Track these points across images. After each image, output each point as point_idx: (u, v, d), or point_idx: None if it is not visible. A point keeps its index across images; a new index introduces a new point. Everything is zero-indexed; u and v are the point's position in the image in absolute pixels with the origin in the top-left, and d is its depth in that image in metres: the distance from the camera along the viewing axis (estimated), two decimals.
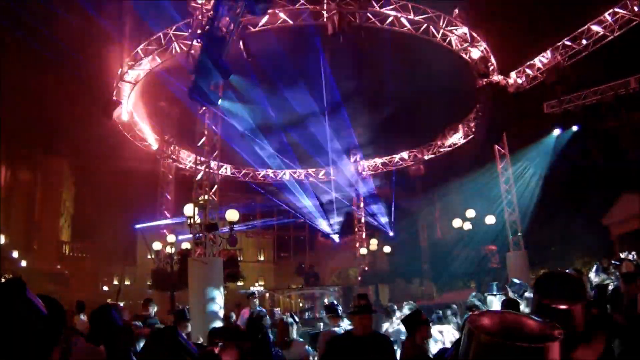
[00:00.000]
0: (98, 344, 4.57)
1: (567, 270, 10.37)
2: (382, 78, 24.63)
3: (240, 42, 15.27)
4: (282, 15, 16.74)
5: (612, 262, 14.20)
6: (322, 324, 14.75)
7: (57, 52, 21.31)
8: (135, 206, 30.84)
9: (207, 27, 12.93)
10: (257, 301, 15.25)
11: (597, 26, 18.22)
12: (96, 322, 4.89)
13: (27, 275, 26.99)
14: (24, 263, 30.86)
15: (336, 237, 32.46)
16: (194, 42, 14.94)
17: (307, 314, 21.27)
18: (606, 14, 17.87)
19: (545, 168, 24.00)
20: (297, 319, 8.16)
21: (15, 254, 29.80)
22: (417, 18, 17.81)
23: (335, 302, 8.71)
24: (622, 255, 15.08)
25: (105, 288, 37.69)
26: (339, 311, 9.06)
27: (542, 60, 19.94)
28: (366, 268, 28.30)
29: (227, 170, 27.32)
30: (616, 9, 17.61)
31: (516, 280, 10.92)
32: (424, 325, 6.64)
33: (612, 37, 18.09)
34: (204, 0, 15.34)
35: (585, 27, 18.45)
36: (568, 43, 19.01)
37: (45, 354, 2.01)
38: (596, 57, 19.03)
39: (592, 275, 14.05)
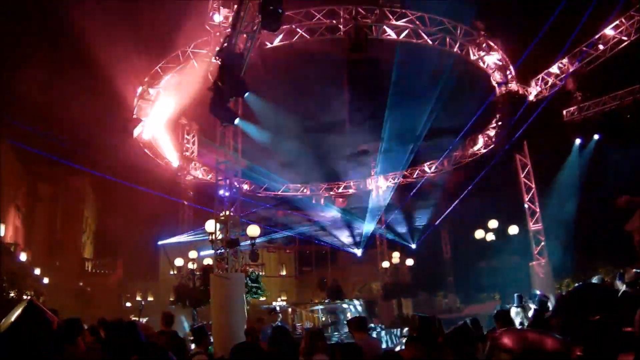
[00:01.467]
0: None
1: (593, 280, 10.27)
2: (400, 89, 24.60)
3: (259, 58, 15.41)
4: (299, 30, 16.85)
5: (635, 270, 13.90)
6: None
7: (79, 68, 21.63)
8: (157, 223, 31.06)
9: (225, 44, 13.04)
10: (280, 316, 15.22)
11: (613, 31, 18.07)
12: (117, 338, 4.82)
13: (49, 292, 27.26)
14: (46, 280, 31.05)
15: (358, 251, 32.33)
16: (213, 60, 15.07)
17: (330, 328, 21.11)
18: (622, 18, 17.72)
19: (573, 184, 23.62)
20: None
21: (37, 271, 30.00)
22: (433, 29, 17.81)
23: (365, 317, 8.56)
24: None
25: (128, 304, 37.83)
26: (367, 326, 8.91)
27: (560, 67, 19.79)
28: (388, 282, 28.12)
29: (247, 185, 27.38)
30: (632, 13, 17.46)
31: (537, 292, 10.84)
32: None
33: (629, 40, 17.92)
34: (222, 19, 15.49)
35: (602, 32, 18.31)
36: (585, 49, 18.86)
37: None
38: (614, 62, 18.85)
39: (617, 283, 13.81)
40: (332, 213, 30.40)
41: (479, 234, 22.40)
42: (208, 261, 22.28)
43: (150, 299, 34.85)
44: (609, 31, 18.15)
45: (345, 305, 23.59)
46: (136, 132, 20.20)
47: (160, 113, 21.19)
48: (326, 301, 23.62)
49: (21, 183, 32.72)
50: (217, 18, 15.67)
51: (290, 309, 25.51)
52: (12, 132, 23.50)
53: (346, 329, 21.03)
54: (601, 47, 18.44)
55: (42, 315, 2.86)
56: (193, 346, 9.08)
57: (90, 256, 42.01)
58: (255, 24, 12.52)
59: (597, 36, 18.46)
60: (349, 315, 23.41)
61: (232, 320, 14.07)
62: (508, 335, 1.73)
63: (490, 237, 22.04)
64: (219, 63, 13.44)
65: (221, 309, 14.27)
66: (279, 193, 29.18)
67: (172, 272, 26.73)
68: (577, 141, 22.57)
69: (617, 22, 17.94)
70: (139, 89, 19.36)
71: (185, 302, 22.18)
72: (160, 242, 31.10)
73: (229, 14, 15.00)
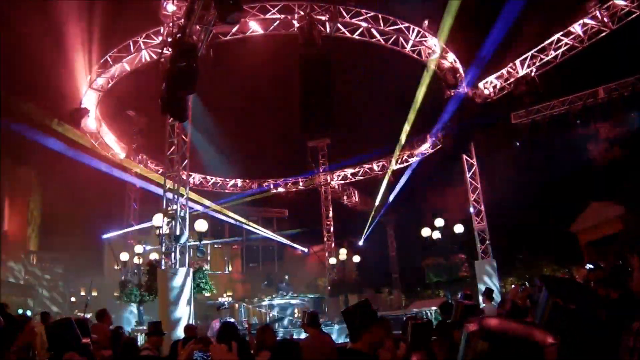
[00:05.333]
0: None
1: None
2: (350, 87, 24.75)
3: (210, 51, 15.21)
4: (253, 24, 16.73)
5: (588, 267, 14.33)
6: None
7: (23, 57, 20.95)
8: (103, 216, 30.43)
9: (178, 35, 12.85)
10: (227, 312, 15.13)
11: (565, 37, 18.52)
12: (56, 336, 4.60)
13: None
14: None
15: (305, 248, 32.41)
16: (164, 50, 14.85)
17: (277, 324, 21.13)
18: (575, 25, 18.15)
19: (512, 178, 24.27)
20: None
21: None
22: (387, 29, 17.95)
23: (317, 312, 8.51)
24: (589, 266, 15.26)
25: (73, 299, 36.95)
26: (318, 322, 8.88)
27: (510, 71, 20.19)
28: (335, 278, 28.25)
29: (195, 179, 27.02)
30: (586, 20, 17.91)
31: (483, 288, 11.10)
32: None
33: (581, 47, 18.40)
34: (175, 8, 15.25)
35: (554, 37, 18.74)
36: (536, 54, 19.29)
37: None
38: (565, 68, 19.33)
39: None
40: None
41: (425, 231, 22.71)
42: (154, 256, 22.02)
43: (94, 294, 34.11)
44: (562, 37, 18.57)
45: (292, 301, 23.64)
46: (83, 122, 19.71)
47: (108, 103, 20.76)
48: (273, 297, 23.62)
49: None
50: (171, 8, 15.42)
51: (237, 305, 25.43)
52: None
53: (293, 325, 21.16)
54: (553, 52, 18.85)
55: None
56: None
57: (35, 249, 40.83)
58: (210, 15, 12.38)
59: (548, 41, 18.87)
60: (296, 312, 23.49)
61: (179, 316, 13.94)
62: (484, 323, 1.76)
63: (436, 235, 22.40)
64: (171, 55, 13.25)
65: (168, 305, 14.11)
66: (228, 187, 28.93)
67: (117, 267, 26.29)
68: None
69: (569, 28, 18.37)
70: (87, 78, 18.85)
71: (130, 298, 21.87)
72: (105, 236, 30.42)
73: (182, 3, 14.77)
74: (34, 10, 19.51)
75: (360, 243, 30.77)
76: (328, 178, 29.61)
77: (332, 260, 28.56)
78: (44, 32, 19.87)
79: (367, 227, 29.97)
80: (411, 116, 21.32)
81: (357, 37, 17.93)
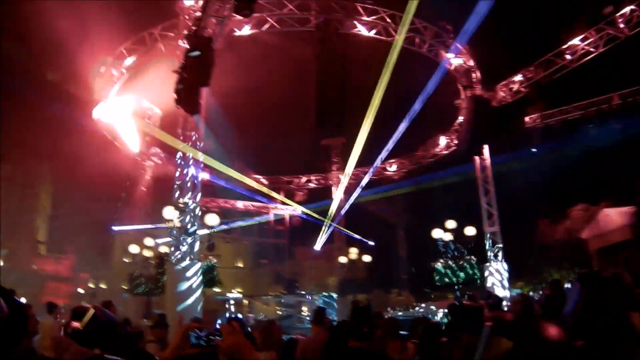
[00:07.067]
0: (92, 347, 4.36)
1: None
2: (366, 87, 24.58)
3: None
4: (270, 20, 16.67)
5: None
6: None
7: (37, 49, 20.98)
8: (113, 208, 30.44)
9: (194, 27, 12.81)
10: (232, 307, 15.09)
11: (582, 42, 18.35)
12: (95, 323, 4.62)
13: (2, 275, 26.49)
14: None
15: (316, 246, 32.31)
16: (180, 43, 14.81)
17: (284, 321, 21.09)
18: (592, 30, 18.00)
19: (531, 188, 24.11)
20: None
21: None
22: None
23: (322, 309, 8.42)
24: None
25: (81, 290, 37.07)
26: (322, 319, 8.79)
27: (526, 74, 20.03)
28: (345, 277, 28.16)
29: (208, 174, 26.94)
30: (602, 26, 17.76)
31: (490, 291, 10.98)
32: None
33: (596, 53, 18.24)
34: (192, 2, 15.20)
35: (570, 43, 18.57)
36: (553, 58, 19.12)
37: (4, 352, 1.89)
38: (580, 73, 19.16)
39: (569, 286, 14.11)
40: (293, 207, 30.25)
41: (436, 233, 22.55)
42: (164, 249, 22.01)
43: (102, 286, 34.24)
44: (578, 42, 18.40)
45: (300, 299, 23.60)
46: (96, 113, 19.72)
47: (122, 95, 20.74)
48: (282, 294, 23.59)
49: None
50: (187, 1, 15.38)
51: (245, 301, 25.42)
52: None
53: (302, 322, 21.12)
54: (568, 57, 18.69)
55: None
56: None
57: (44, 239, 40.98)
58: (226, 9, 12.32)
59: (565, 46, 18.70)
60: (304, 309, 23.43)
61: (186, 309, 13.90)
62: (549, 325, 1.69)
63: (448, 236, 22.24)
64: (187, 47, 13.21)
65: (175, 298, 14.09)
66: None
67: (126, 260, 26.30)
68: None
69: (585, 34, 18.20)
70: (102, 69, 18.85)
71: (138, 290, 21.88)
72: (114, 228, 30.45)
73: None
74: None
75: (372, 243, 30.65)
76: (341, 177, 29.49)
77: (342, 259, 28.47)
78: (58, 23, 19.89)
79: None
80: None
81: (374, 36, 17.82)
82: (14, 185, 36.59)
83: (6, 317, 1.90)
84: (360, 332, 4.16)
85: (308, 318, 20.53)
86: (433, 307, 21.82)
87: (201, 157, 16.17)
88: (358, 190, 27.23)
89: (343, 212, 29.58)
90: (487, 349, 1.69)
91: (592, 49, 18.24)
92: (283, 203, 29.13)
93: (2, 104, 21.94)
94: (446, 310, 8.78)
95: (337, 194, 29.62)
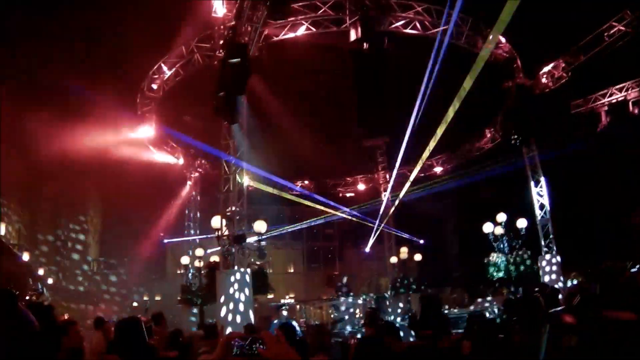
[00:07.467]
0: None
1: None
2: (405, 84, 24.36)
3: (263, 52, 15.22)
4: (304, 23, 16.62)
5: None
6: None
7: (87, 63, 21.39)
8: (163, 221, 30.90)
9: (229, 35, 12.88)
10: (286, 313, 15.06)
11: (618, 23, 17.76)
12: (124, 333, 4.74)
13: (53, 293, 27.07)
14: (50, 281, 30.77)
15: (367, 247, 32.13)
16: (217, 53, 14.93)
17: (338, 324, 20.99)
18: (627, 10, 17.41)
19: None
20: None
21: (41, 272, 29.65)
22: (439, 21, 17.59)
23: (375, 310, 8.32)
24: None
25: (135, 304, 37.66)
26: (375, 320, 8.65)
27: (566, 59, 19.53)
28: (396, 277, 27.91)
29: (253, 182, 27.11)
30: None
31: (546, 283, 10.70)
32: None
33: (634, 33, 17.63)
34: (226, 11, 15.30)
35: (607, 24, 17.99)
36: (591, 41, 18.56)
37: None
38: (620, 54, 18.57)
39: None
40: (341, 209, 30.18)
41: (487, 227, 22.13)
42: (215, 258, 22.19)
43: (157, 298, 34.70)
44: (615, 23, 17.83)
45: (353, 301, 23.45)
46: (140, 128, 20.07)
47: (164, 109, 21.05)
48: (334, 298, 23.50)
49: (24, 181, 32.44)
50: (220, 10, 15.49)
51: (297, 306, 25.41)
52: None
53: (355, 325, 20.98)
54: (607, 39, 18.11)
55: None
56: None
57: (95, 256, 41.75)
58: (260, 14, 12.34)
59: (602, 28, 18.14)
60: (357, 311, 23.26)
61: (237, 317, 13.93)
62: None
63: (499, 230, 21.80)
64: (223, 57, 13.29)
65: (227, 307, 14.13)
66: (287, 189, 28.94)
67: (179, 271, 26.64)
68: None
69: (622, 14, 17.62)
70: (142, 85, 19.16)
71: (192, 301, 22.09)
72: (166, 241, 31.02)
73: (232, 6, 14.80)
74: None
75: (422, 241, 30.38)
76: (387, 177, 29.32)
77: (393, 259, 28.25)
78: (102, 42, 20.27)
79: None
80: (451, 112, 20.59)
81: (410, 31, 17.62)
82: (62, 203, 37.31)
83: (38, 333, 1.87)
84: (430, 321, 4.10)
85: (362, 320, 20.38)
86: (487, 304, 21.32)
87: (245, 165, 16.21)
88: (405, 189, 26.93)
89: (391, 211, 29.42)
90: (549, 347, 1.58)
91: (629, 30, 17.60)
92: (331, 206, 29.05)
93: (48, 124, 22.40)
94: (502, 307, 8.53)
95: (385, 193, 29.47)
